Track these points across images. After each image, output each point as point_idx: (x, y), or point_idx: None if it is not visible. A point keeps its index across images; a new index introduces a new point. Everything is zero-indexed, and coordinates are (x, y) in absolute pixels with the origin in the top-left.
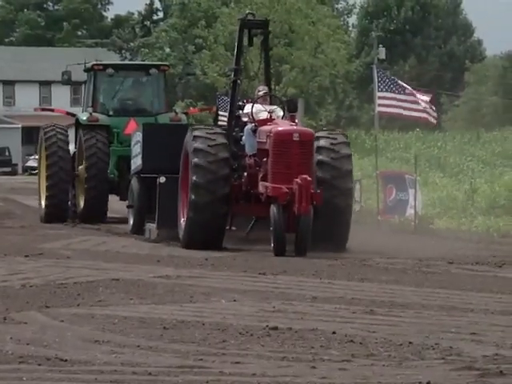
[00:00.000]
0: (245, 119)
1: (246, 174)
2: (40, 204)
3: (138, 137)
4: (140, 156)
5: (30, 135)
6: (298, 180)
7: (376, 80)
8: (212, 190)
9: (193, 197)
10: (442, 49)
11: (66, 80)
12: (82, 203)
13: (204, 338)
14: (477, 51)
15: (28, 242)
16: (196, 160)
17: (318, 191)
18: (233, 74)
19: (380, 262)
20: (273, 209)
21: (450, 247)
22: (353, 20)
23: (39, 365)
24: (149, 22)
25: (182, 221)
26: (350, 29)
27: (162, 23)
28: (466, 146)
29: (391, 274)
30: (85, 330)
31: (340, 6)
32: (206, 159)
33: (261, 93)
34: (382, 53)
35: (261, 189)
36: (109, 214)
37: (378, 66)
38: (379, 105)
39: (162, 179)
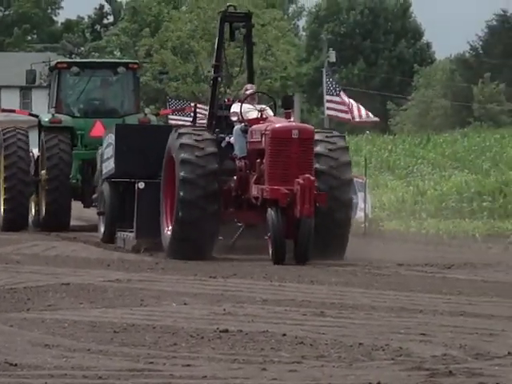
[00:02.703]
0: (234, 118)
1: (235, 177)
2: None
3: (110, 139)
4: (112, 159)
5: None
6: (300, 180)
7: (325, 84)
8: (202, 207)
9: (180, 214)
10: (392, 52)
11: (32, 79)
12: (44, 211)
13: (155, 342)
14: (426, 54)
15: None
16: (183, 174)
17: (321, 192)
18: (213, 71)
19: (330, 264)
20: (270, 213)
21: (400, 249)
22: (303, 23)
23: None
24: (99, 26)
25: (166, 230)
26: (301, 32)
27: (112, 27)
28: (416, 148)
29: (341, 276)
30: (35, 335)
31: (291, 9)
32: (194, 172)
33: (249, 92)
34: (332, 56)
35: (255, 192)
36: (76, 222)
37: (327, 69)
38: (328, 108)
39: (141, 185)
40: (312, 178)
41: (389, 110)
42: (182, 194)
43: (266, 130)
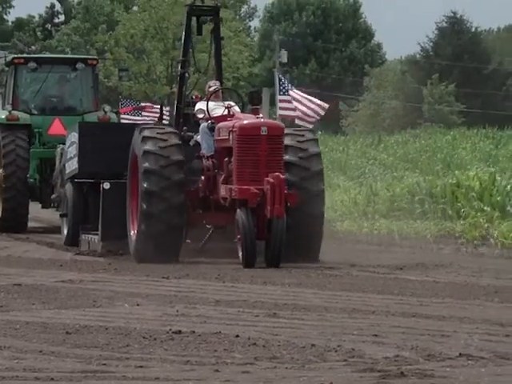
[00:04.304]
0: (200, 116)
1: (202, 178)
2: None
3: (73, 137)
4: (76, 159)
5: None
6: (270, 179)
7: (277, 84)
8: (166, 198)
9: (144, 206)
10: (343, 52)
11: None
12: (0, 211)
13: (107, 343)
14: (377, 55)
15: None
16: (147, 165)
17: (292, 191)
18: (180, 66)
19: (283, 266)
20: (240, 214)
21: (352, 250)
22: (255, 23)
23: None
24: (50, 25)
25: (133, 233)
26: (253, 33)
27: (63, 26)
28: (368, 149)
29: (294, 276)
30: None
31: (243, 10)
32: (157, 163)
33: (212, 88)
34: (283, 56)
35: (223, 192)
36: (32, 224)
37: (279, 69)
38: (280, 108)
39: (107, 185)
40: (282, 176)
41: (341, 111)
42: (145, 185)
43: (233, 127)
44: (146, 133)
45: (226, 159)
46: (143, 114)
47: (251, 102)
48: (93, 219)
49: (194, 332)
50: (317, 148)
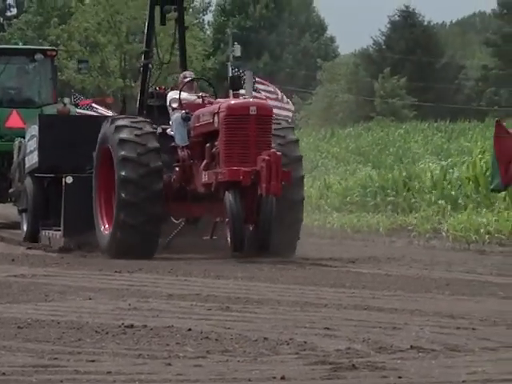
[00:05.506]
0: (174, 105)
1: (177, 169)
2: None
3: (33, 130)
4: (36, 152)
5: None
6: (265, 156)
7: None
8: (144, 186)
9: (123, 195)
10: (296, 46)
11: None
12: None
13: (59, 337)
14: (329, 49)
15: None
16: (124, 153)
17: (287, 170)
18: (143, 57)
19: (236, 260)
20: (228, 197)
21: (305, 243)
22: (209, 18)
23: None
24: (2, 19)
25: (103, 229)
26: (206, 27)
27: (15, 20)
28: (321, 142)
29: (247, 270)
30: None
31: (196, 3)
32: (135, 151)
33: (187, 79)
34: (237, 50)
35: (206, 179)
36: None
37: (232, 63)
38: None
39: (69, 179)
40: (278, 153)
41: (294, 105)
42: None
43: (219, 109)
44: (123, 134)
45: (208, 145)
46: (94, 108)
47: (232, 87)
48: (54, 214)
49: (146, 326)
50: (294, 136)
